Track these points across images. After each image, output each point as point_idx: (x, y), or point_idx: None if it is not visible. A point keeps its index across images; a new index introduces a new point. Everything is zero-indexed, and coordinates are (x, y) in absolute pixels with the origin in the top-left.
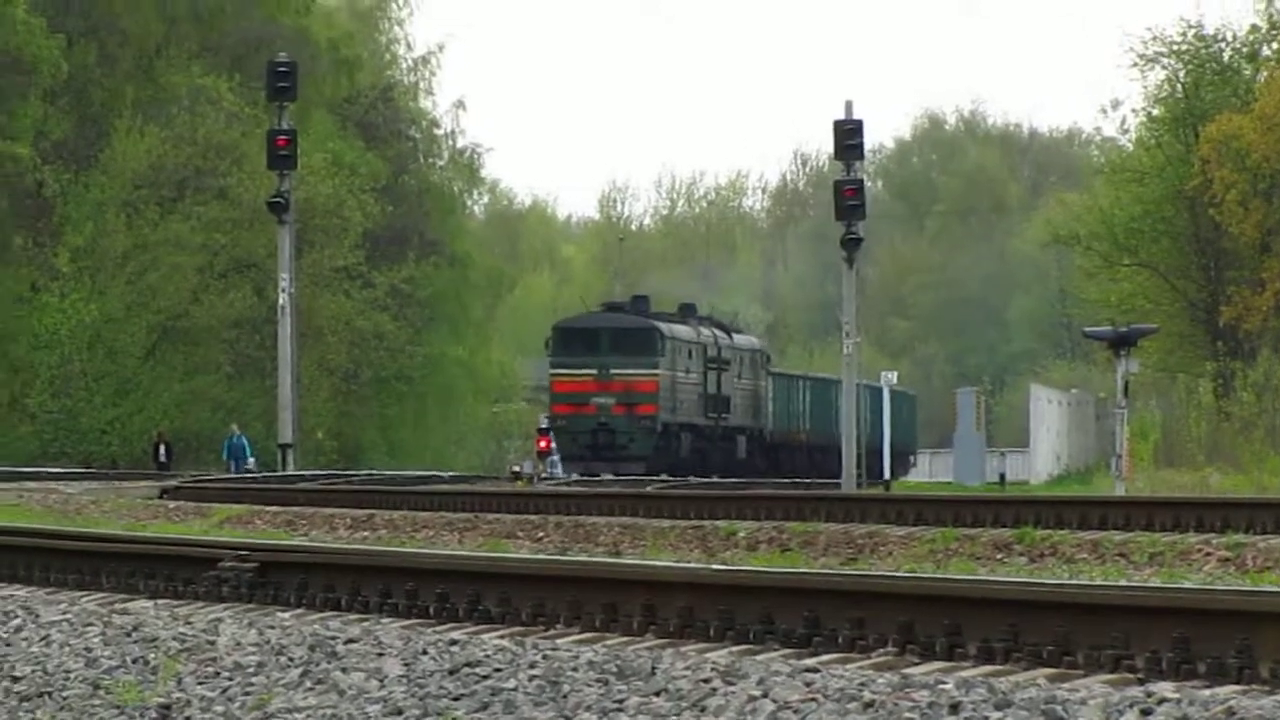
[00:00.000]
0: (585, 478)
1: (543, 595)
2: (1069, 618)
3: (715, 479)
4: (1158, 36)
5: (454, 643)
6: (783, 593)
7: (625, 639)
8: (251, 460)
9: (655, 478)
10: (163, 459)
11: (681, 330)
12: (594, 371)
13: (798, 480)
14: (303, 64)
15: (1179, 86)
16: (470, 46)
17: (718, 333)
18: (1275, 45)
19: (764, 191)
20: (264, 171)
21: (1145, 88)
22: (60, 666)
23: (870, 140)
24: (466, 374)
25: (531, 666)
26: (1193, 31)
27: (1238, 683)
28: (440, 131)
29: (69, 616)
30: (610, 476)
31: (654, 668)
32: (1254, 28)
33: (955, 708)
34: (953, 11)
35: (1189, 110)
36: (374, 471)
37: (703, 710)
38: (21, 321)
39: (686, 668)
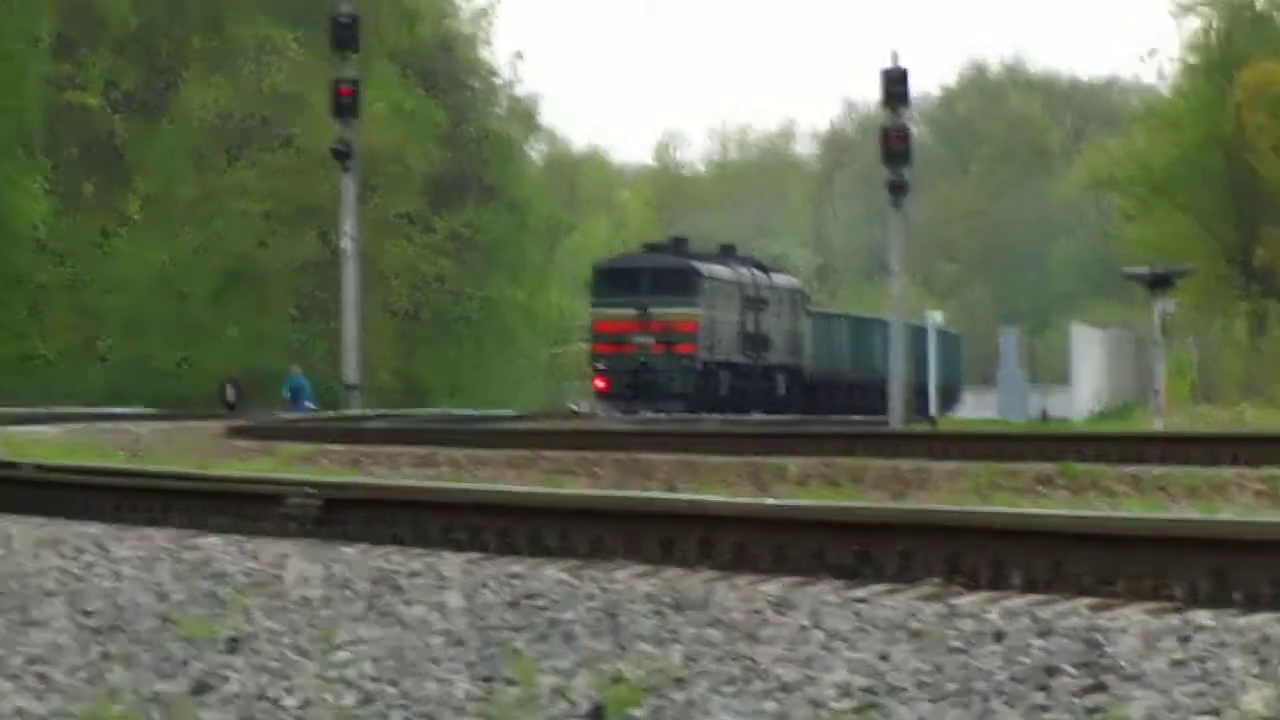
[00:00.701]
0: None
1: (600, 530)
2: (1109, 549)
3: (756, 415)
4: None
5: (514, 576)
6: (832, 527)
7: (680, 571)
8: (309, 403)
9: (695, 415)
10: (231, 400)
11: (720, 270)
12: (634, 311)
13: (846, 418)
14: (365, 15)
15: (1214, 34)
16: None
17: (756, 272)
18: None
19: (814, 138)
20: (328, 120)
21: (1182, 35)
22: (131, 601)
23: (916, 88)
24: (525, 316)
25: (589, 598)
26: None
27: (1272, 610)
28: (499, 81)
29: (140, 552)
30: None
31: (708, 599)
32: None
33: (999, 636)
34: None
35: (1224, 57)
36: (439, 410)
37: (755, 640)
38: (93, 267)
39: (740, 599)
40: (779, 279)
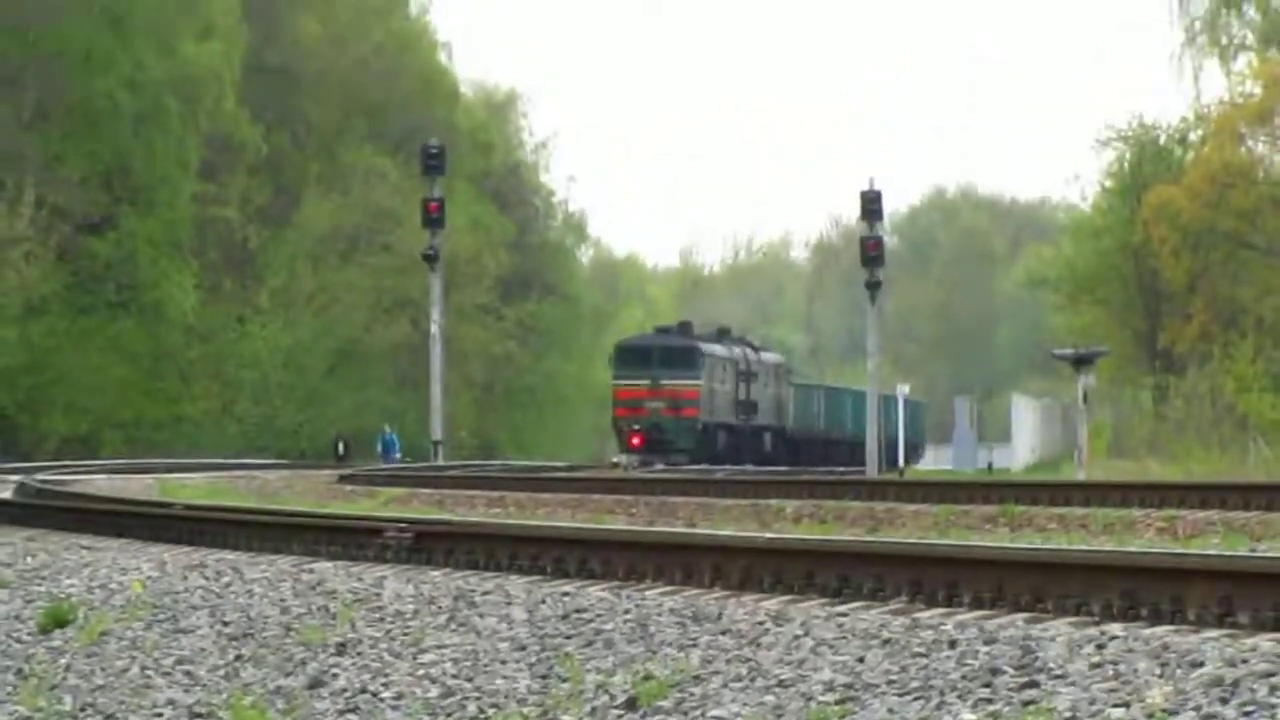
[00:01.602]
0: (651, 466)
1: (635, 558)
2: (1041, 574)
3: (749, 467)
4: (1110, 125)
5: (566, 594)
6: (820, 555)
7: (698, 591)
8: (397, 455)
9: (699, 466)
10: (341, 453)
11: (718, 348)
12: (647, 382)
13: (830, 470)
14: (450, 147)
15: (1126, 163)
16: (577, 131)
17: (747, 350)
18: (1199, 132)
19: (806, 245)
20: (419, 230)
21: (1100, 164)
22: (260, 614)
23: (888, 205)
24: (576, 387)
25: (626, 612)
26: (1137, 121)
27: (1171, 624)
28: (556, 199)
29: (268, 575)
30: (661, 466)
31: (720, 613)
32: (1184, 118)
33: (953, 644)
34: (955, 107)
35: (1134, 182)
36: (507, 461)
37: (758, 646)
38: (231, 346)
39: (746, 613)
40: (766, 355)
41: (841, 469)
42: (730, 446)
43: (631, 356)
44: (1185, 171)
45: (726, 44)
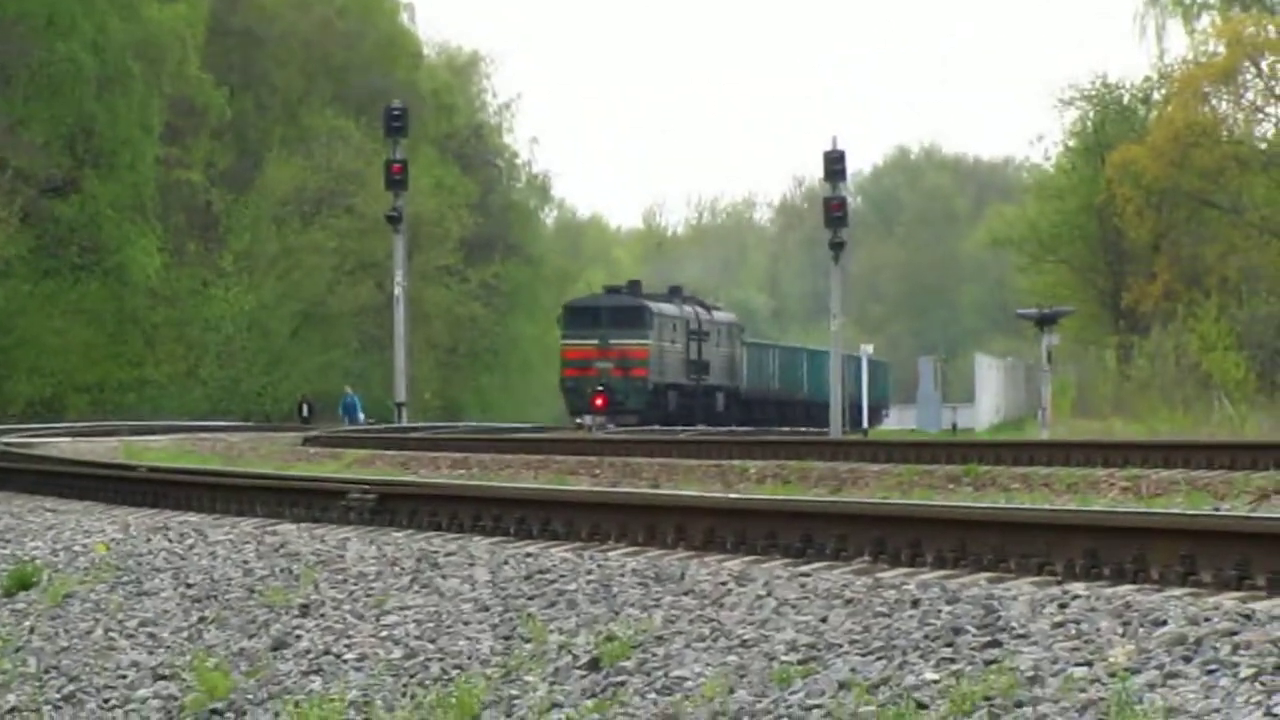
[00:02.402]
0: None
1: (598, 518)
2: (1004, 534)
3: (700, 427)
4: (1073, 85)
5: (529, 555)
6: (783, 515)
7: (661, 551)
8: (361, 415)
9: (650, 427)
10: (305, 415)
11: (668, 308)
12: (596, 341)
13: (794, 430)
14: (413, 109)
15: (1089, 123)
16: (541, 93)
17: (699, 309)
18: (1163, 91)
19: (770, 206)
20: (383, 192)
21: (1064, 124)
22: (224, 575)
23: (851, 166)
24: (540, 349)
25: (589, 573)
26: (1100, 80)
27: (1134, 583)
28: (519, 161)
29: (231, 537)
30: (613, 427)
31: (684, 573)
32: (1147, 78)
33: (916, 603)
34: (918, 67)
35: (1097, 141)
36: (471, 423)
37: (721, 606)
38: (195, 309)
39: (709, 573)
40: (719, 315)
41: (804, 430)
42: (681, 407)
43: (580, 316)
44: (1149, 131)
45: (690, 4)
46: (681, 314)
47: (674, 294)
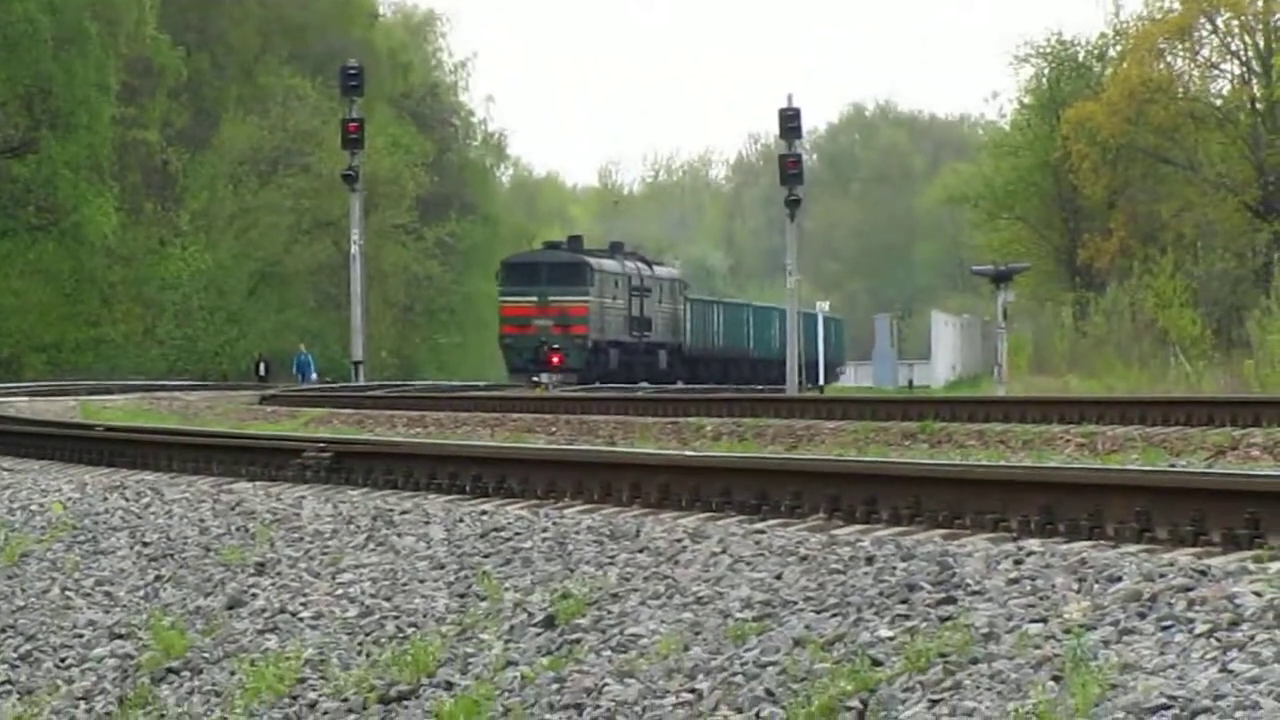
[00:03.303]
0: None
1: (554, 476)
2: (960, 490)
3: (644, 385)
4: (1028, 41)
5: (484, 513)
6: (739, 472)
7: (616, 509)
8: (314, 374)
9: (598, 385)
10: (262, 374)
11: (609, 264)
12: (534, 298)
13: (749, 387)
14: (369, 68)
15: (1045, 80)
16: (497, 52)
17: (641, 265)
18: (1119, 48)
19: (726, 164)
20: (339, 151)
21: (1019, 81)
22: (180, 534)
23: (807, 123)
24: (496, 307)
25: (544, 531)
26: (1055, 37)
27: (1089, 539)
28: (475, 119)
29: (187, 495)
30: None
31: (639, 530)
32: (1102, 35)
33: (871, 560)
34: (873, 23)
35: (1052, 98)
36: (426, 382)
37: (676, 563)
38: (152, 268)
39: (664, 530)
40: (661, 270)
41: (759, 387)
42: (623, 365)
43: (518, 273)
44: (1104, 88)
45: None
46: (623, 270)
47: (615, 250)
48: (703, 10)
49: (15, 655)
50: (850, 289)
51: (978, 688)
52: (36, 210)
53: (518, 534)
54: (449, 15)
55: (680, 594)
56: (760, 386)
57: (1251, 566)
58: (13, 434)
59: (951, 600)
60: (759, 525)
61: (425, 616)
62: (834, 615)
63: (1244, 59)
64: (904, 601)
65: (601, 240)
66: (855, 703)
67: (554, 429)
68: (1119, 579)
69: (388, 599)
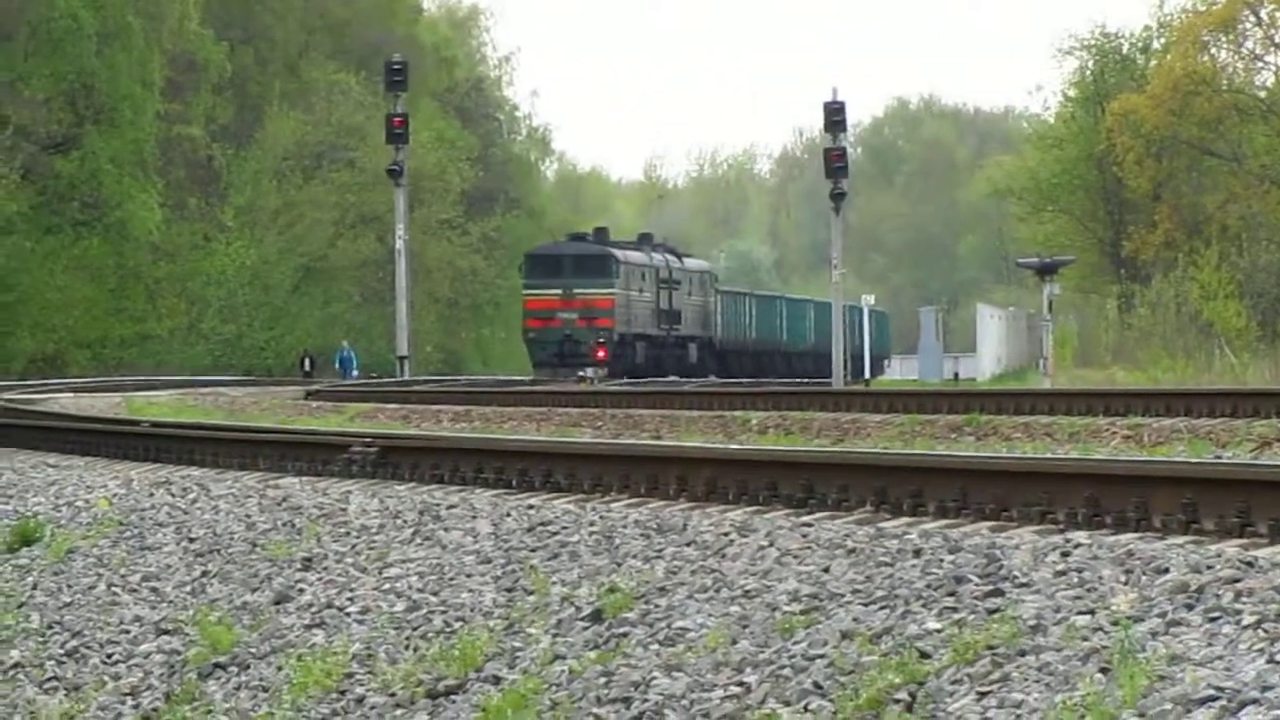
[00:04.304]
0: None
1: (600, 470)
2: (1006, 483)
3: (673, 378)
4: (1072, 34)
5: (531, 507)
6: (785, 466)
7: (663, 502)
8: (355, 372)
9: (621, 380)
10: (307, 369)
11: (635, 255)
12: (559, 291)
13: (786, 380)
14: (413, 63)
15: (1088, 72)
16: (541, 46)
17: (669, 257)
18: (1162, 40)
19: (770, 158)
20: (384, 146)
21: (1063, 74)
22: (227, 529)
23: (851, 117)
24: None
25: (591, 525)
26: (1099, 30)
27: (1136, 531)
28: (520, 114)
29: (234, 490)
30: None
31: (685, 524)
32: (1146, 27)
33: (918, 552)
34: (918, 16)
35: (1097, 91)
36: (473, 376)
37: (723, 557)
38: (197, 264)
39: (711, 524)
40: (690, 262)
41: (803, 380)
42: (651, 359)
43: (542, 265)
44: (1148, 80)
45: None
46: (650, 262)
47: (643, 241)
48: (747, 4)
49: (62, 651)
50: (895, 282)
51: (1025, 680)
52: (81, 206)
53: (564, 528)
54: (493, 10)
55: (727, 587)
56: (800, 380)
57: None
58: (58, 430)
59: (999, 592)
60: (806, 518)
61: (472, 611)
62: (882, 608)
63: None
64: (951, 594)
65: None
66: (904, 695)
67: (600, 423)
68: (1166, 570)
69: (435, 593)
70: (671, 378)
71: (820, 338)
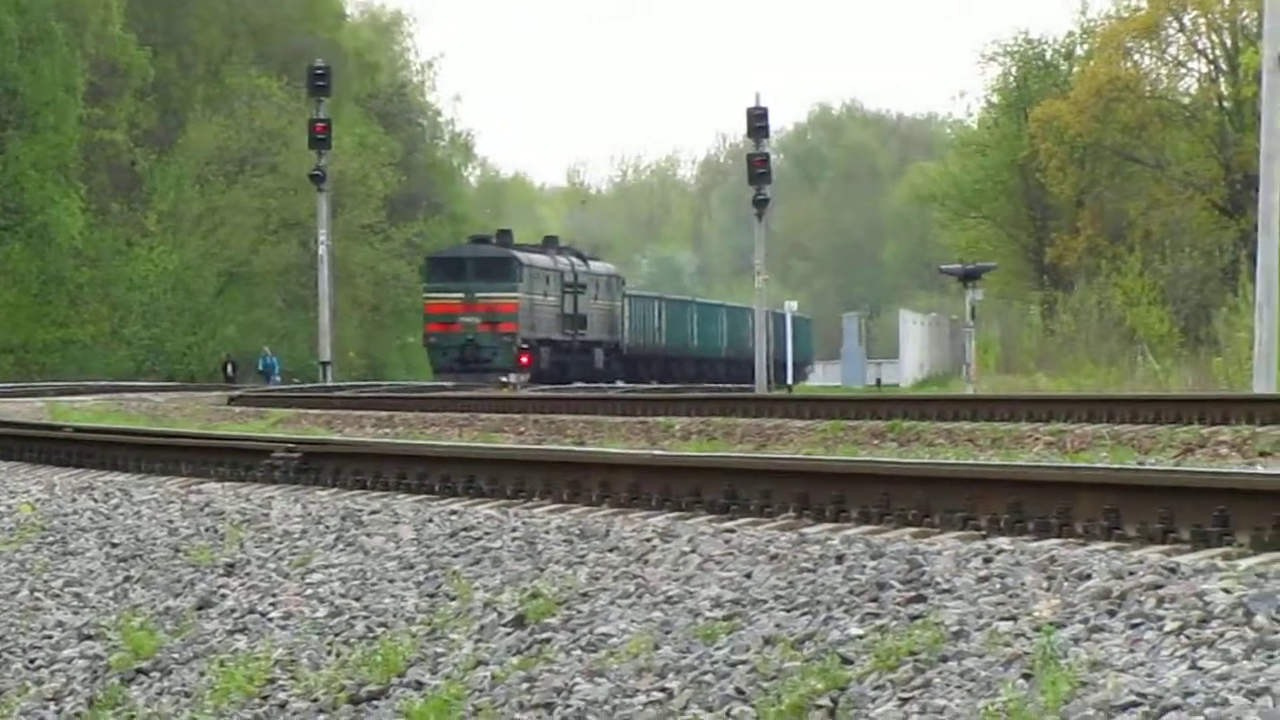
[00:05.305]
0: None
1: (523, 475)
2: (929, 489)
3: (578, 384)
4: (996, 40)
5: (454, 513)
6: (708, 471)
7: (586, 508)
8: (277, 377)
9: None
10: (230, 374)
11: (539, 259)
12: (461, 295)
13: (718, 386)
14: (336, 68)
15: (1012, 79)
16: (464, 52)
17: (575, 260)
18: (1086, 47)
19: (693, 163)
20: (306, 151)
21: (986, 80)
22: (149, 535)
23: (774, 123)
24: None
25: (514, 530)
26: (1023, 36)
27: (1058, 537)
28: (442, 119)
29: (156, 496)
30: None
31: (608, 530)
32: (1070, 33)
33: (840, 558)
34: (840, 23)
35: (1020, 97)
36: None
37: (646, 562)
38: (119, 269)
39: (633, 530)
40: (596, 266)
41: (726, 386)
42: (555, 364)
43: (444, 268)
44: (1071, 86)
45: None
46: (555, 265)
47: (548, 244)
48: (670, 11)
49: None
50: (818, 288)
51: (948, 685)
52: (3, 211)
53: (487, 534)
54: (416, 15)
55: (650, 593)
56: (723, 386)
57: (1221, 564)
58: None
59: (921, 598)
60: (728, 524)
61: (395, 616)
62: (804, 614)
63: (1211, 57)
64: (874, 600)
65: (572, 240)
66: (826, 701)
67: (523, 429)
68: (1088, 576)
69: (357, 599)
70: (578, 384)
71: (733, 343)
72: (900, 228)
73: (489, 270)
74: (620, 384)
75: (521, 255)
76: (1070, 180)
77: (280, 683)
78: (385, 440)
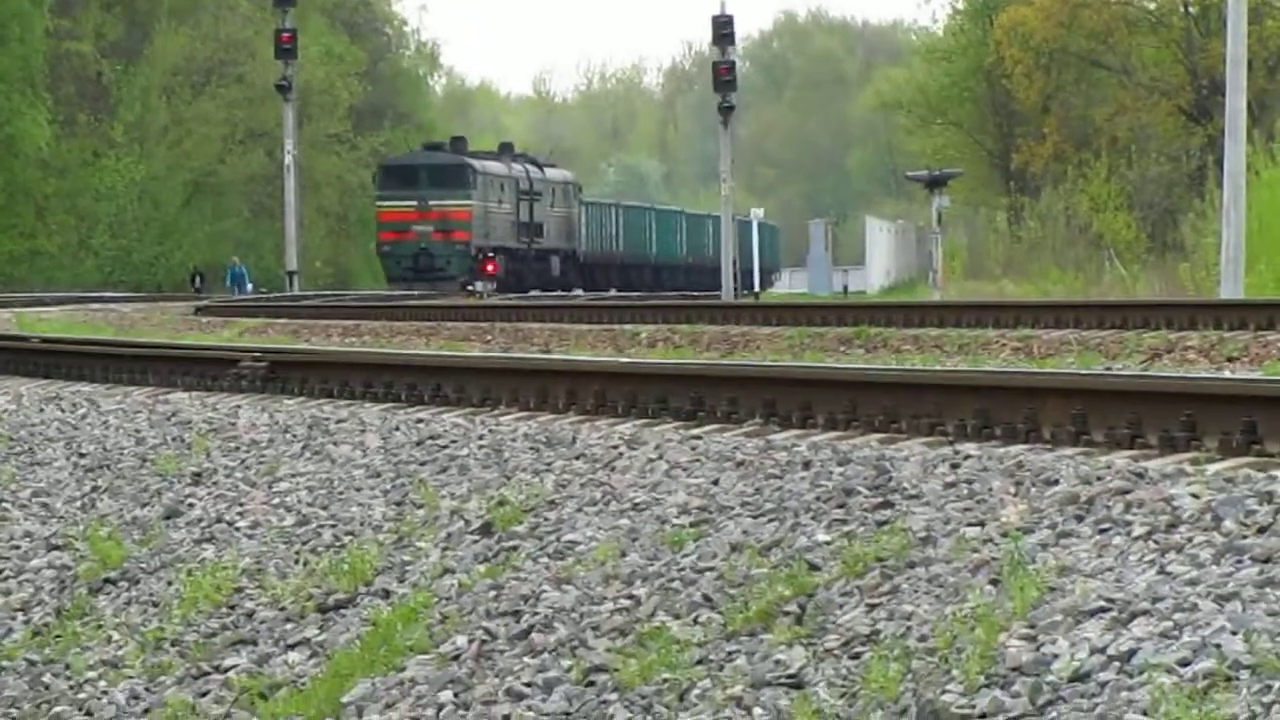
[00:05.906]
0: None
1: (489, 383)
2: (895, 394)
3: (534, 293)
4: None
5: (420, 421)
6: (675, 379)
7: (552, 416)
8: (249, 285)
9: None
10: (197, 285)
11: (494, 166)
12: (414, 203)
13: (685, 293)
14: None
15: None
16: None
17: (530, 168)
18: None
19: (660, 71)
20: (272, 61)
21: None
22: (116, 445)
23: (740, 31)
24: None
25: (480, 438)
26: None
27: (1025, 442)
28: (408, 28)
29: (123, 406)
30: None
31: (575, 438)
32: None
33: (808, 465)
34: None
35: (985, 3)
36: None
37: (613, 470)
38: (86, 180)
39: (600, 437)
40: (552, 173)
41: (694, 293)
42: (511, 272)
43: (397, 176)
44: None
45: None
46: (510, 173)
47: (503, 151)
48: None
49: None
50: (785, 195)
51: (915, 591)
52: None
53: (454, 442)
54: None
55: (617, 500)
56: (689, 293)
57: (1189, 469)
58: None
59: (888, 504)
60: (695, 431)
61: (362, 525)
62: (771, 520)
63: None
64: (841, 506)
65: (537, 148)
66: (793, 607)
67: (489, 337)
68: (1056, 482)
69: (324, 508)
70: (533, 292)
71: (693, 250)
72: (866, 135)
73: (442, 177)
74: (580, 294)
75: (475, 162)
76: (1036, 86)
77: (248, 592)
78: (351, 349)
